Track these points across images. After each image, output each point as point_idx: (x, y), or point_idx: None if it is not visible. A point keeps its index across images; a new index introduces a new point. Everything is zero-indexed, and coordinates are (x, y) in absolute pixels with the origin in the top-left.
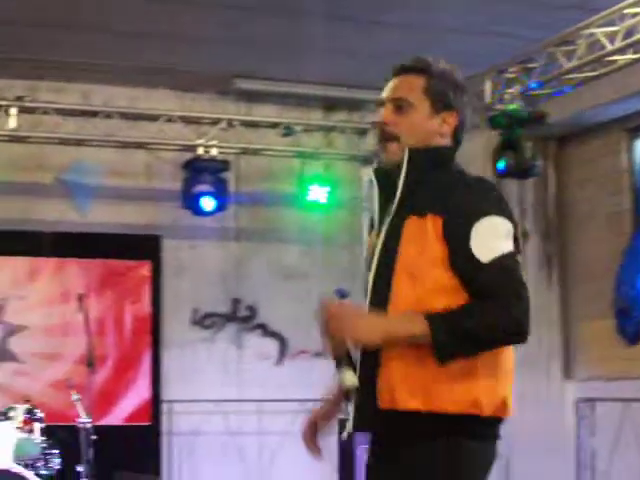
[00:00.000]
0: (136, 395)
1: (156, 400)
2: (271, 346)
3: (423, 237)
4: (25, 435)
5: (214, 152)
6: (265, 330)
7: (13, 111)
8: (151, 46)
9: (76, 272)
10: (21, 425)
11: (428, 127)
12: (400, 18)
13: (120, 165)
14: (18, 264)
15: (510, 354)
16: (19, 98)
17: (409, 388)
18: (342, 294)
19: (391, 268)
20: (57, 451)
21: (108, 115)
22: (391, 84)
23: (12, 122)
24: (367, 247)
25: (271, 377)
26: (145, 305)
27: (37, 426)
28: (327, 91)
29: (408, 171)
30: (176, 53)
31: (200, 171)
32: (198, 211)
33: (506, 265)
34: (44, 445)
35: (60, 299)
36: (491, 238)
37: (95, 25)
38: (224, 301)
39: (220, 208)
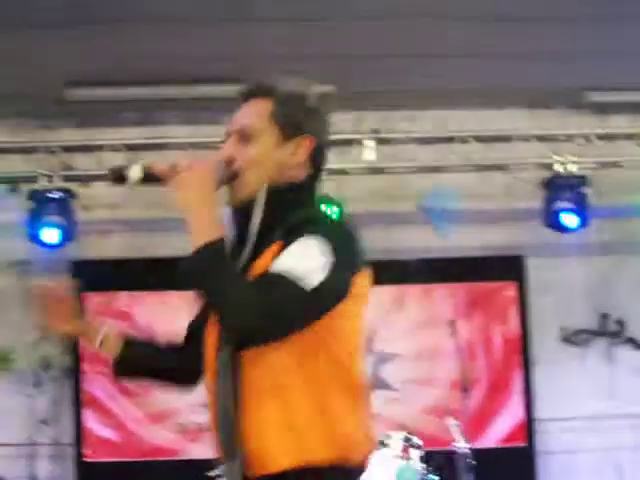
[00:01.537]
0: (509, 416)
1: (529, 420)
2: None
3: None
4: (405, 462)
5: (572, 168)
6: (636, 344)
7: (369, 143)
8: (498, 66)
9: (442, 297)
10: (400, 453)
11: (278, 157)
12: None
13: (479, 188)
14: (385, 293)
15: (369, 401)
16: (374, 130)
17: (278, 446)
18: None
19: None
20: (436, 477)
21: (464, 139)
22: (238, 113)
23: (370, 154)
24: None
25: None
26: (513, 326)
27: (416, 453)
28: None
29: (265, 212)
30: (525, 71)
31: (560, 188)
32: (560, 228)
33: (283, 282)
34: (424, 472)
35: (428, 325)
36: (296, 255)
37: (445, 51)
38: (592, 317)
39: (582, 224)
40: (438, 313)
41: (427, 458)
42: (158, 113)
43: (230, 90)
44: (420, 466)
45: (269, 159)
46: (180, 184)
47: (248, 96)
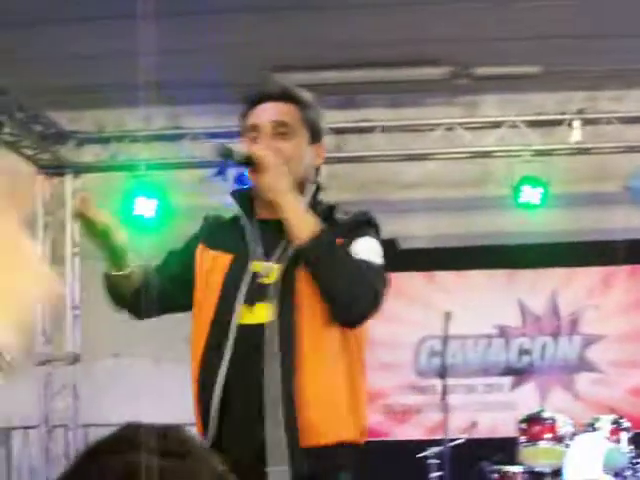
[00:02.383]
0: None
1: None
2: None
3: None
4: (613, 445)
5: None
6: None
7: (576, 124)
8: None
9: None
10: (609, 435)
11: (307, 157)
12: None
13: None
14: (592, 274)
15: None
16: (580, 110)
17: (328, 424)
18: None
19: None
20: None
21: None
22: (268, 108)
23: (576, 135)
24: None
25: None
26: None
27: (624, 435)
28: None
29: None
30: None
31: None
32: None
33: (378, 269)
34: (632, 454)
35: (635, 306)
36: (367, 252)
37: None
38: None
39: None
40: None
41: (635, 440)
42: (362, 96)
43: (432, 72)
44: (629, 448)
45: (301, 157)
46: (278, 172)
47: (269, 98)
